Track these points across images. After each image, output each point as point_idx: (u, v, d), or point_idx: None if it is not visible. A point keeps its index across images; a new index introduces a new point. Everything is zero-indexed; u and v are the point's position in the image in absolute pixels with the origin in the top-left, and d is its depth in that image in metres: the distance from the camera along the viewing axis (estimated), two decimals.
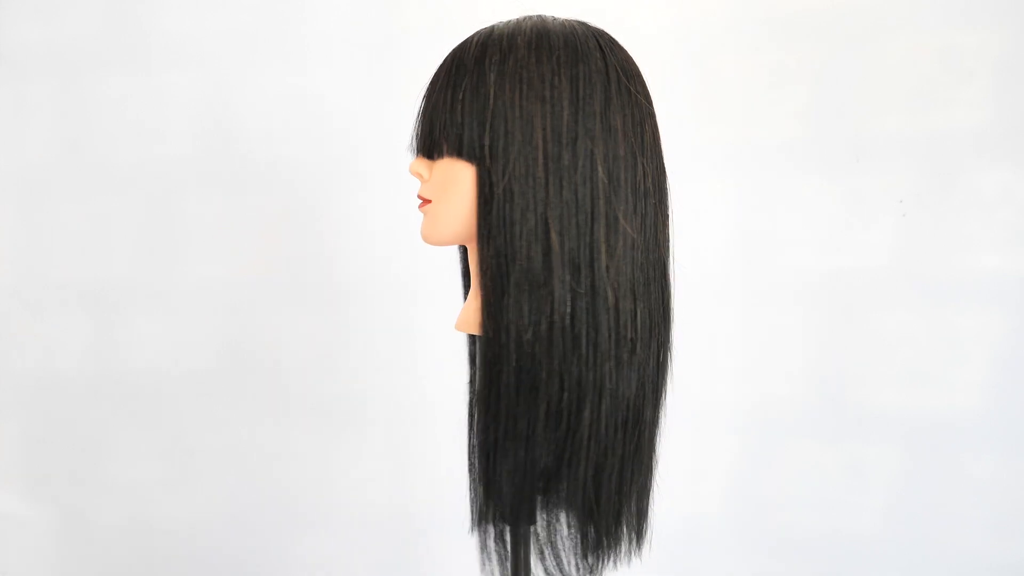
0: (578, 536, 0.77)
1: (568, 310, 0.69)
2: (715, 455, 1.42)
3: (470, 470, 0.89)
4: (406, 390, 1.48)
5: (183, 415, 1.57)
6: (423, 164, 0.74)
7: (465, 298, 0.89)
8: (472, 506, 0.83)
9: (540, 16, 0.75)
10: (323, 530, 1.57)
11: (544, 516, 0.77)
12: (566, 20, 0.74)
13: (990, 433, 1.32)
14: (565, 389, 0.70)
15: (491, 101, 0.68)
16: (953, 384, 1.32)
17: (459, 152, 0.70)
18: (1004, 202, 1.27)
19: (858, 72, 1.30)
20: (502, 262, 0.69)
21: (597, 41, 0.73)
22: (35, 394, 1.63)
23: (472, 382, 0.90)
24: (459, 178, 0.71)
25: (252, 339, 1.54)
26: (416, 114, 0.77)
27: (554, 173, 0.68)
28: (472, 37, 0.73)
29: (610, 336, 0.71)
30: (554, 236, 0.68)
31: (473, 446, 0.90)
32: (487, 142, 0.68)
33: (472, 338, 0.89)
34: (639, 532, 0.79)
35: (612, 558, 0.79)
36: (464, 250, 0.89)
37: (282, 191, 1.49)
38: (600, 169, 0.69)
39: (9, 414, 1.64)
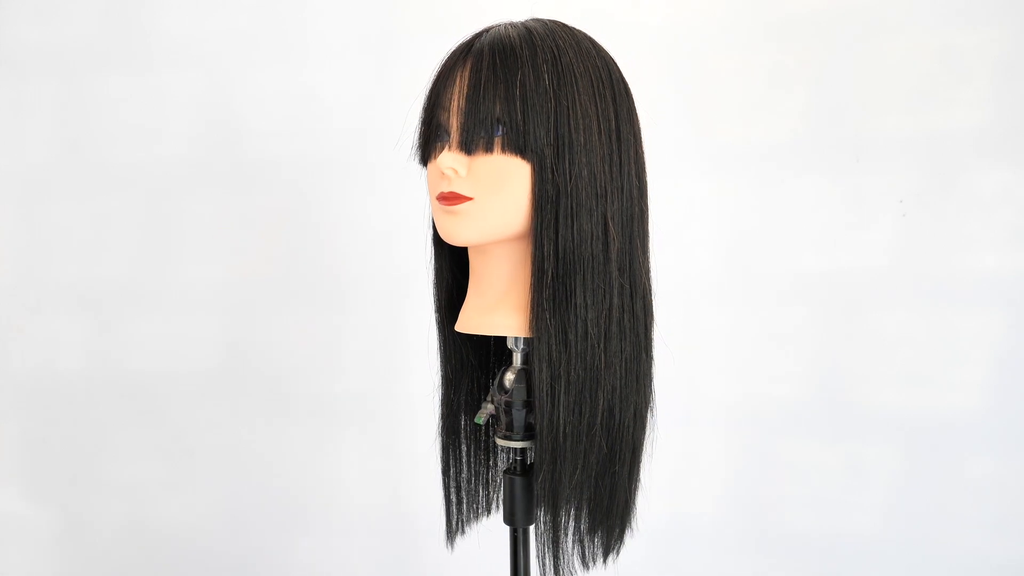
0: (603, 530, 0.79)
1: (618, 303, 0.72)
2: (716, 454, 1.42)
3: (444, 472, 0.91)
4: (406, 390, 1.48)
5: (183, 415, 1.57)
6: (460, 160, 0.70)
7: (443, 298, 0.84)
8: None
9: (553, 19, 0.75)
10: (323, 530, 1.57)
11: (545, 515, 0.77)
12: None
13: (990, 433, 1.32)
14: (618, 377, 0.73)
15: (553, 101, 0.68)
16: (953, 384, 1.32)
17: (518, 149, 0.69)
18: (1004, 202, 1.27)
19: (858, 72, 1.30)
20: (568, 259, 0.70)
21: (605, 51, 0.75)
22: (35, 394, 1.63)
23: (449, 381, 0.88)
24: (515, 175, 0.70)
25: (252, 339, 1.54)
26: (423, 112, 0.75)
27: (611, 172, 0.71)
28: (500, 35, 0.70)
29: (642, 326, 0.75)
30: (612, 233, 0.71)
31: (448, 448, 0.91)
32: (552, 141, 0.68)
33: (455, 337, 0.84)
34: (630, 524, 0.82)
35: (620, 549, 0.81)
36: (448, 250, 0.83)
37: (282, 191, 1.49)
38: (634, 169, 0.73)
39: (9, 414, 1.64)
